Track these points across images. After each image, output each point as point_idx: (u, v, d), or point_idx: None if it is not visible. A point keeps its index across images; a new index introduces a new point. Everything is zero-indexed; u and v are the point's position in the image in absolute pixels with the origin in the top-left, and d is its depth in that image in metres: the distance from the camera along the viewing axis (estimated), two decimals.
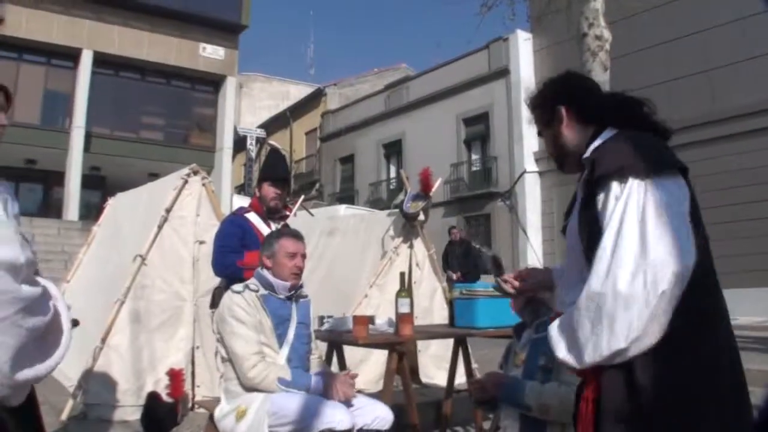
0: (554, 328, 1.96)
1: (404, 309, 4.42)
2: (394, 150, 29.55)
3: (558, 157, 2.28)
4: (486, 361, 7.44)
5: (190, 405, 5.40)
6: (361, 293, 6.88)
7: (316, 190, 32.11)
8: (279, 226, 4.84)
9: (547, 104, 2.24)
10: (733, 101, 17.01)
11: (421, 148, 26.66)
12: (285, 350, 3.57)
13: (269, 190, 4.74)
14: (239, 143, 30.16)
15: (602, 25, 9.24)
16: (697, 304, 1.76)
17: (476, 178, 25.14)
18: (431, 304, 7.23)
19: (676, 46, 18.40)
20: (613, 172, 1.85)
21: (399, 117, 28.78)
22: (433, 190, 6.83)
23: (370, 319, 4.42)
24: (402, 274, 4.64)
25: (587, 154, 2.04)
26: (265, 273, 3.67)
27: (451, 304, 5.04)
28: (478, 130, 25.58)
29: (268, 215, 4.76)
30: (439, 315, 7.16)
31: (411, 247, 7.12)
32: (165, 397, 5.06)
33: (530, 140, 23.02)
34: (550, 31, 22.32)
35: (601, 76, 9.21)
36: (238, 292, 3.54)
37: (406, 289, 4.56)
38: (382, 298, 6.88)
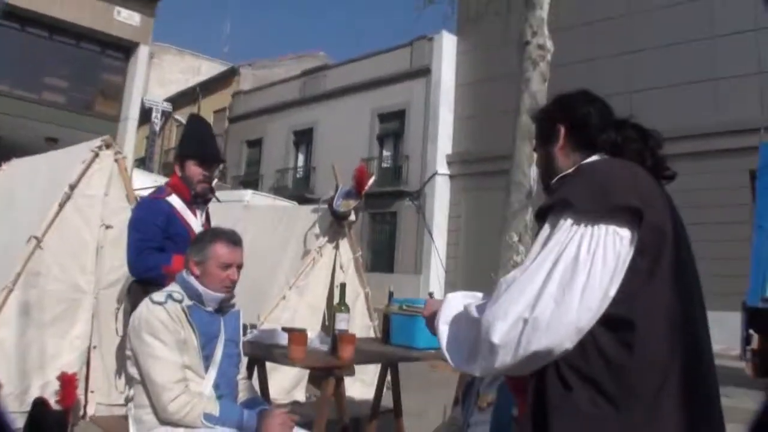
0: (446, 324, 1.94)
1: (343, 325, 3.88)
2: (304, 138, 29.09)
3: (546, 180, 2.08)
4: (407, 376, 7.02)
5: (82, 413, 4.71)
6: (278, 294, 6.30)
7: (219, 171, 31.07)
8: (204, 213, 4.22)
9: (549, 120, 2.08)
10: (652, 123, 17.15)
11: (332, 139, 26.32)
12: (212, 373, 2.96)
13: (195, 171, 4.03)
14: (144, 115, 28.82)
15: (546, 35, 9.00)
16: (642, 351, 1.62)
17: (386, 176, 24.83)
18: (353, 310, 6.69)
19: (608, 63, 18.40)
20: (553, 205, 1.77)
21: (313, 105, 28.25)
22: (366, 189, 6.32)
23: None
24: (342, 286, 4.10)
25: (554, 180, 1.96)
26: (192, 280, 3.03)
27: (386, 318, 4.56)
28: (392, 127, 25.39)
29: (193, 200, 4.08)
30: (361, 322, 6.68)
31: (336, 247, 6.58)
32: (54, 405, 4.38)
33: (444, 142, 23.01)
34: (476, 35, 22.27)
35: (540, 86, 8.97)
36: (159, 303, 2.87)
37: (345, 302, 4.03)
38: (300, 301, 6.33)
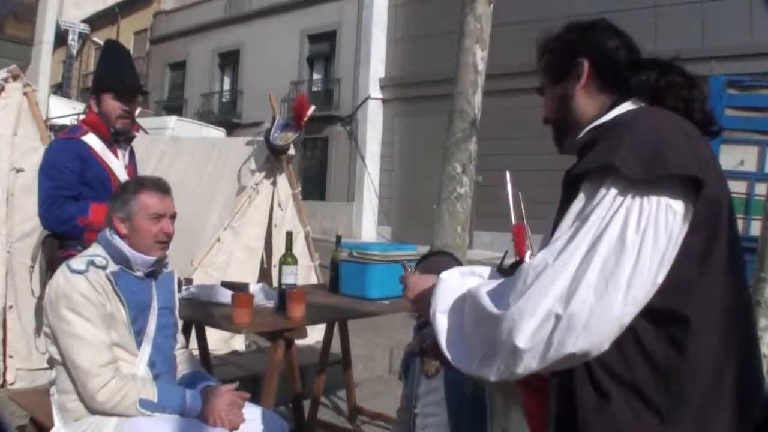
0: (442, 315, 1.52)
1: (291, 280, 3.49)
2: (230, 60, 27.99)
3: (559, 127, 1.70)
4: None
5: (1, 381, 4.24)
6: (212, 237, 5.83)
7: (141, 98, 29.87)
8: (127, 153, 3.74)
9: (565, 52, 1.65)
10: None
11: (260, 61, 25.40)
12: (146, 350, 2.54)
13: (114, 105, 3.55)
14: (59, 38, 27.27)
15: None
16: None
17: (317, 100, 24.06)
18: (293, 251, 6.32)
19: None
20: (590, 171, 1.37)
21: (239, 26, 27.06)
22: (306, 119, 5.82)
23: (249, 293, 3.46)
24: (289, 235, 3.69)
25: (582, 133, 1.54)
26: (118, 241, 2.57)
27: (335, 265, 4.21)
28: (322, 49, 24.54)
29: (114, 138, 3.60)
30: (302, 263, 6.27)
31: (274, 184, 6.09)
32: None
33: (377, 65, 22.33)
34: None
35: (485, 8, 8.48)
36: (79, 272, 2.42)
37: (292, 253, 3.63)
38: (236, 243, 5.88)
